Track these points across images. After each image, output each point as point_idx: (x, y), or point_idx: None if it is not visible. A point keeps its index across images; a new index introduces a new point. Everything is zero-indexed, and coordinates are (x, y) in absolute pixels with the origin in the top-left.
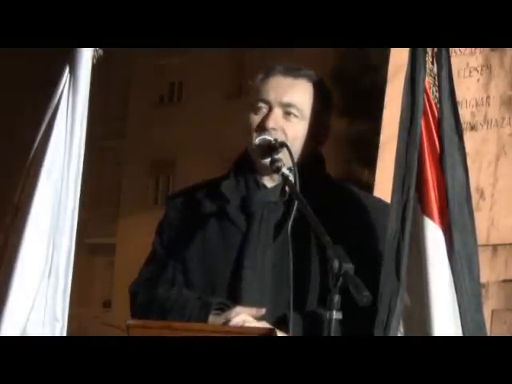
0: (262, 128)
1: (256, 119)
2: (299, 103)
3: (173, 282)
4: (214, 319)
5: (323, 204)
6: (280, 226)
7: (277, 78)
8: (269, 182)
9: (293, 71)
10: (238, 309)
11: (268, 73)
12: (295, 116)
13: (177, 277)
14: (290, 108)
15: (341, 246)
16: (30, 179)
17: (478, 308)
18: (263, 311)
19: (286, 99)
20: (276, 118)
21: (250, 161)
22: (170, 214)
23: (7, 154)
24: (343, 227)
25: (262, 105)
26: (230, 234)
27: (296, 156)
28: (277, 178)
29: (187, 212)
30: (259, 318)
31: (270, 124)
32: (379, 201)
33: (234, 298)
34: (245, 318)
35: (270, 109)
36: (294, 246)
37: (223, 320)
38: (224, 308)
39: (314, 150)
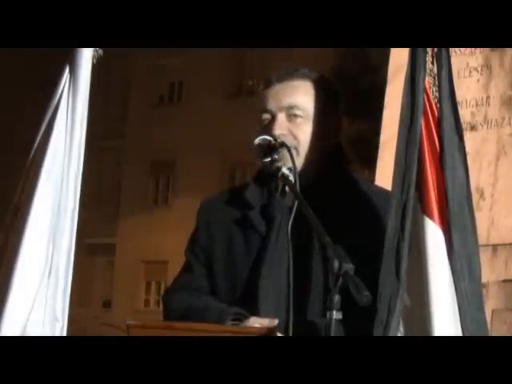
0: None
1: (262, 131)
2: (301, 103)
3: (198, 289)
4: None
5: (336, 201)
6: (296, 231)
7: (274, 87)
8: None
9: (289, 74)
10: (252, 319)
11: (267, 83)
12: (300, 116)
13: (201, 282)
14: (292, 110)
15: (341, 246)
16: (30, 179)
17: (480, 307)
18: (276, 322)
19: (287, 102)
20: (281, 123)
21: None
22: (201, 221)
23: (7, 153)
24: (355, 224)
25: (265, 116)
26: (253, 239)
27: (303, 157)
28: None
29: (215, 219)
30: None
31: (277, 130)
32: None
33: (251, 306)
34: None
35: (273, 116)
36: (298, 246)
37: None
38: (241, 318)
39: (330, 145)
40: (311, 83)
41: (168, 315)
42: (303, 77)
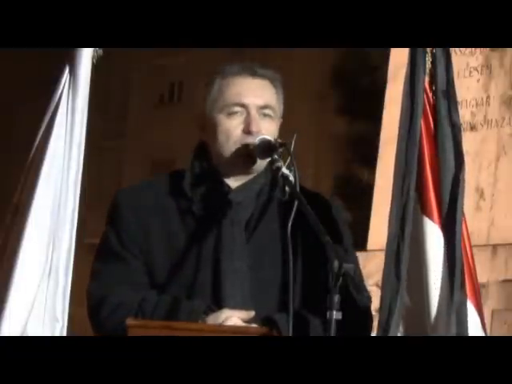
0: (247, 133)
1: (232, 123)
2: (272, 103)
3: (139, 284)
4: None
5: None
6: (250, 226)
7: (242, 80)
8: (233, 182)
9: (257, 71)
10: (228, 312)
11: (225, 74)
12: (270, 116)
13: (141, 277)
14: (265, 110)
15: (340, 246)
16: (30, 179)
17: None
18: (252, 313)
19: (262, 101)
20: (257, 121)
21: (211, 162)
22: (125, 210)
23: (7, 154)
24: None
25: (237, 109)
26: (201, 236)
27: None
28: (241, 177)
29: (147, 210)
30: (249, 321)
31: (254, 128)
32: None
33: (215, 301)
34: (236, 321)
35: (248, 112)
36: (279, 246)
37: (212, 323)
38: (208, 312)
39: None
40: (276, 85)
41: (110, 311)
42: (267, 77)
